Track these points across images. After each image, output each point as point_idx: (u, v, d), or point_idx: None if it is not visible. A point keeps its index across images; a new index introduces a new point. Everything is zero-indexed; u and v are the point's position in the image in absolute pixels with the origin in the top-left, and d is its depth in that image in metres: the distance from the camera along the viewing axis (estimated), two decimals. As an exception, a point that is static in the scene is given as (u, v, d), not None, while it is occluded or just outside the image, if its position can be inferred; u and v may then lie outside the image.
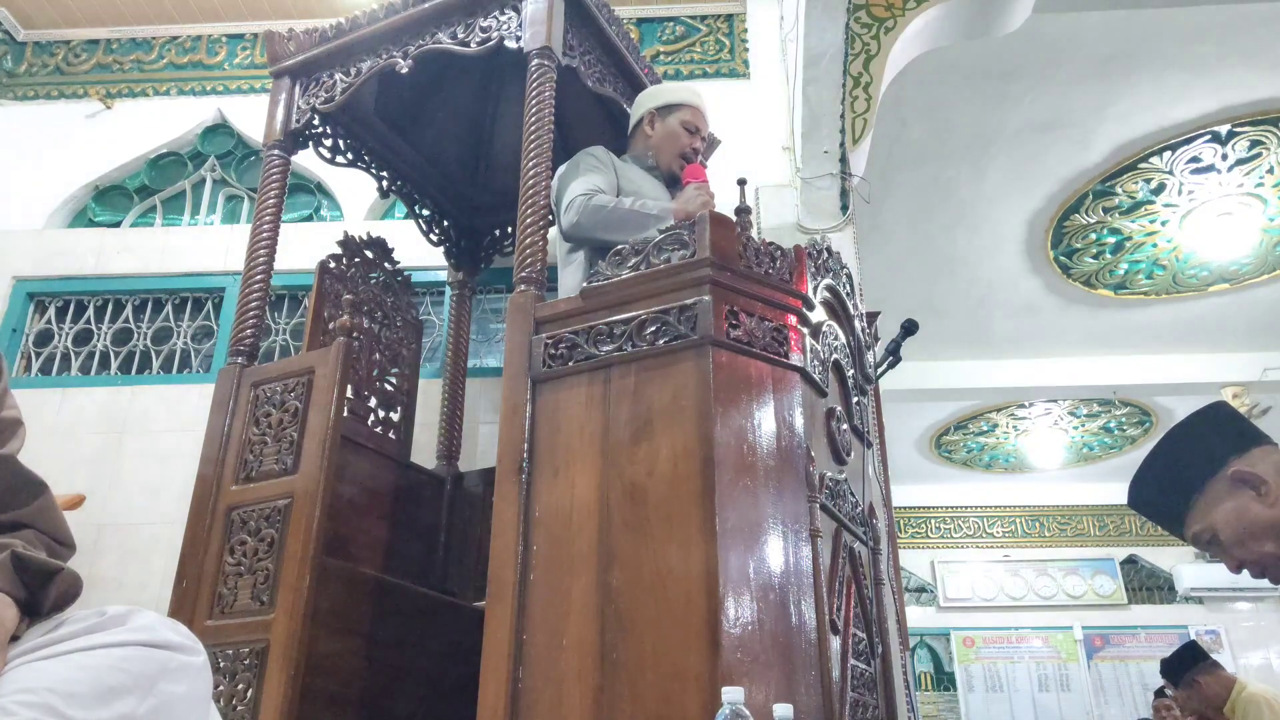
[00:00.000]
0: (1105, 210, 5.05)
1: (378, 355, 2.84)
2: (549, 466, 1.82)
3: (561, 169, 2.26)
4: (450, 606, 2.60)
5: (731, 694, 1.27)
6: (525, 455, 1.84)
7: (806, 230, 3.42)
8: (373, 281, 2.91)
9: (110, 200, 4.10)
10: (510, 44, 2.33)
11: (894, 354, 2.39)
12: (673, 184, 2.42)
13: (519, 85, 2.34)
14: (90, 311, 3.80)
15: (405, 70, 2.48)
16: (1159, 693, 4.66)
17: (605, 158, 2.30)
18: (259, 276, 2.54)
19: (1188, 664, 4.02)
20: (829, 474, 1.87)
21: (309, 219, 3.98)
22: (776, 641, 1.61)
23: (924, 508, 8.52)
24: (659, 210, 2.15)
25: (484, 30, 2.39)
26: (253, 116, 3.99)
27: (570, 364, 1.87)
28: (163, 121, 4.16)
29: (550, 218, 2.22)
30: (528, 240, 2.11)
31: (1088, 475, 8.14)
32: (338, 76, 2.61)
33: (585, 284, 1.92)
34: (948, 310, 5.83)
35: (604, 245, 2.11)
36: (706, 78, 3.99)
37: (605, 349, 1.84)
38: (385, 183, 3.06)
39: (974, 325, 6.02)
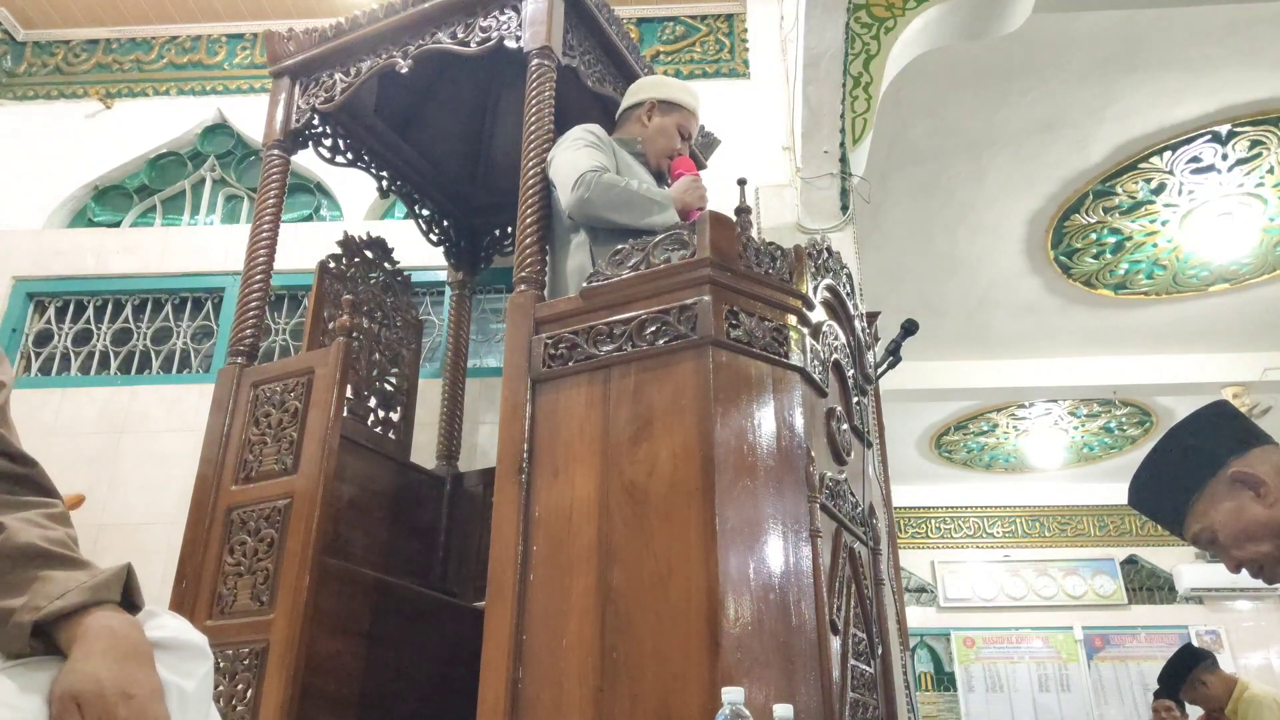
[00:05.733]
0: (1105, 210, 5.05)
1: (378, 355, 2.84)
2: (549, 466, 1.82)
3: (559, 142, 2.22)
4: (450, 606, 2.60)
5: (731, 694, 1.27)
6: (525, 455, 1.84)
7: (806, 230, 3.42)
8: (372, 281, 2.91)
9: (110, 200, 4.10)
10: (510, 44, 2.33)
11: (894, 354, 2.38)
12: (657, 177, 2.41)
13: (519, 85, 2.33)
14: (90, 311, 3.80)
15: (405, 70, 2.48)
16: (1158, 693, 4.64)
17: (605, 137, 2.29)
18: (259, 276, 2.54)
19: (1191, 666, 4.00)
20: (829, 474, 1.87)
21: (309, 219, 3.98)
22: (776, 641, 1.61)
23: (924, 508, 8.51)
24: (662, 197, 2.15)
25: (484, 30, 2.39)
26: (253, 116, 3.99)
27: (570, 364, 1.87)
28: (163, 121, 4.17)
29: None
30: (527, 240, 2.11)
31: (1088, 475, 8.14)
32: (337, 76, 2.61)
33: (585, 284, 1.92)
34: (948, 310, 5.82)
35: (606, 226, 2.11)
36: (706, 78, 3.99)
37: (605, 349, 1.84)
38: (385, 183, 3.06)
39: (974, 325, 6.02)
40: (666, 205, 2.12)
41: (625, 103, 2.48)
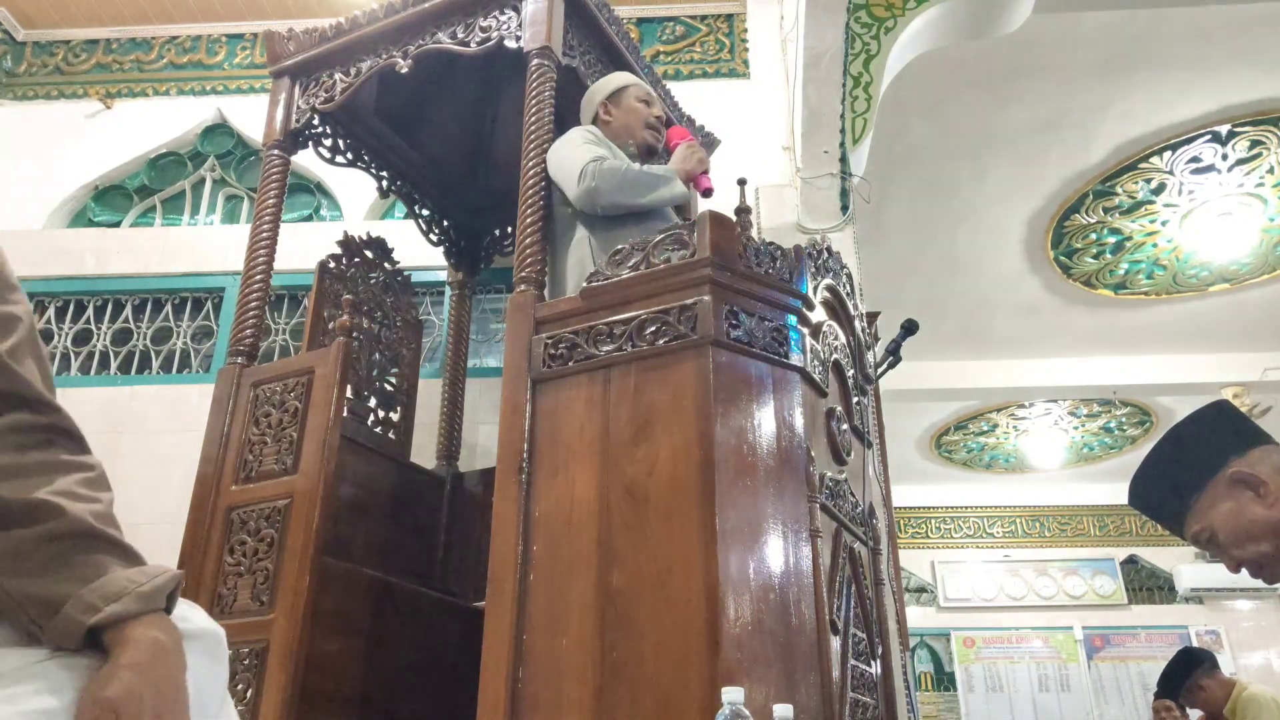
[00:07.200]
0: (1105, 210, 5.05)
1: (378, 355, 2.84)
2: (549, 466, 1.82)
3: (556, 144, 2.23)
4: (450, 606, 2.60)
5: (731, 694, 1.26)
6: (525, 455, 1.84)
7: (806, 230, 3.42)
8: (373, 281, 2.91)
9: (110, 200, 4.10)
10: (510, 44, 2.33)
11: (894, 354, 2.38)
12: (649, 156, 2.41)
13: (519, 85, 2.33)
14: (90, 311, 3.80)
15: (405, 70, 2.48)
16: (1159, 694, 4.63)
17: (600, 135, 2.31)
18: (259, 276, 2.54)
19: (1190, 669, 3.99)
20: (829, 474, 1.87)
21: (309, 219, 3.98)
22: (776, 641, 1.61)
23: (924, 508, 8.51)
24: (665, 171, 2.18)
25: (484, 30, 2.39)
26: (252, 116, 3.99)
27: (570, 364, 1.87)
28: (163, 121, 4.17)
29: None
30: (527, 240, 2.11)
31: (1088, 475, 8.13)
32: (337, 76, 2.61)
33: (585, 284, 1.92)
34: (948, 310, 5.82)
35: (618, 211, 2.12)
36: (706, 78, 3.99)
37: (605, 349, 1.84)
38: (385, 183, 3.06)
39: (974, 325, 6.02)
40: (671, 178, 2.16)
41: (585, 120, 2.45)
